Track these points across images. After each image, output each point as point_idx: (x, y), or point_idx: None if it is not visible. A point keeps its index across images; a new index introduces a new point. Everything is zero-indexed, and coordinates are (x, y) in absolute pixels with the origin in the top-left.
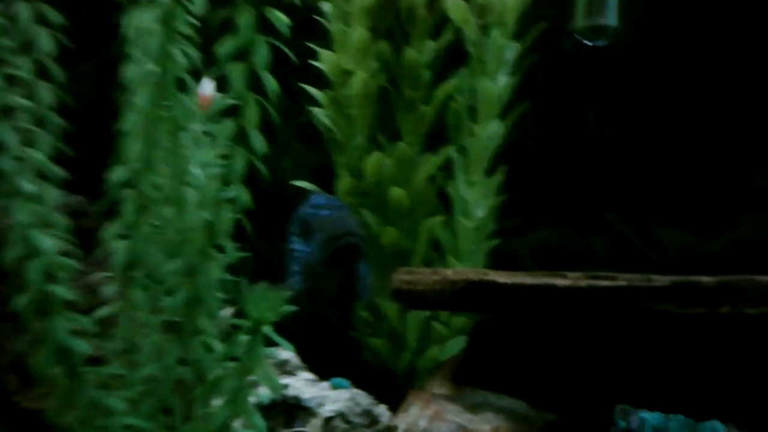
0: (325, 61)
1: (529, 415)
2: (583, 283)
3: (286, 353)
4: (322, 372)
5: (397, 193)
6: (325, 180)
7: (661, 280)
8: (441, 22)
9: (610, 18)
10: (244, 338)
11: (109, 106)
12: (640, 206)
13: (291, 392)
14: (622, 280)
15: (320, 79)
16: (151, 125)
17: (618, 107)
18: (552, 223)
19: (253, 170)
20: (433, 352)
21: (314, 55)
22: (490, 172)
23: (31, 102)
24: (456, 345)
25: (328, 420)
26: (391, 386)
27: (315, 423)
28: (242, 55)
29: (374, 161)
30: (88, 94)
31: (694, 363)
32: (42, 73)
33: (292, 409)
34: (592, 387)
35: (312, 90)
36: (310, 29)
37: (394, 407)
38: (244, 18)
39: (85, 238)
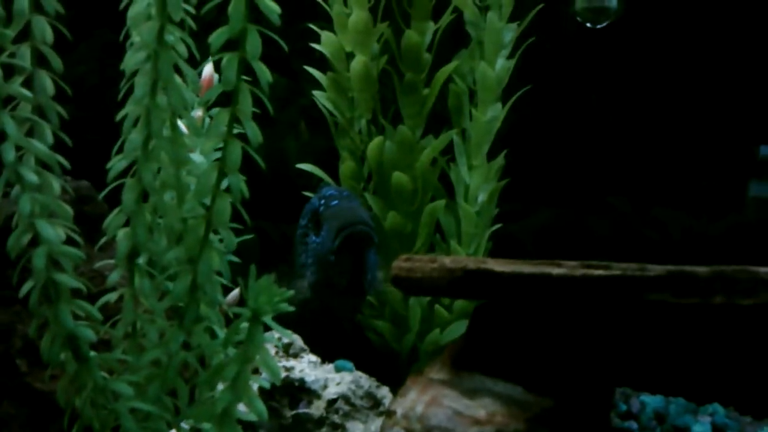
0: (327, 43)
1: (527, 400)
2: (578, 272)
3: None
4: (326, 354)
5: (399, 177)
6: (330, 163)
7: (655, 269)
8: (441, 4)
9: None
10: (245, 325)
11: (109, 89)
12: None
13: (295, 374)
14: (617, 269)
15: (323, 61)
16: (149, 113)
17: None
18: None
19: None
20: (435, 335)
21: (317, 37)
22: (491, 156)
23: (30, 91)
24: (458, 328)
25: (332, 402)
26: (395, 368)
27: (319, 405)
28: (235, 44)
29: (376, 145)
30: (89, 77)
31: (693, 348)
32: (41, 61)
33: (296, 392)
34: (591, 371)
35: (314, 72)
36: (313, 11)
37: (397, 389)
38: (234, 7)
39: (91, 224)
